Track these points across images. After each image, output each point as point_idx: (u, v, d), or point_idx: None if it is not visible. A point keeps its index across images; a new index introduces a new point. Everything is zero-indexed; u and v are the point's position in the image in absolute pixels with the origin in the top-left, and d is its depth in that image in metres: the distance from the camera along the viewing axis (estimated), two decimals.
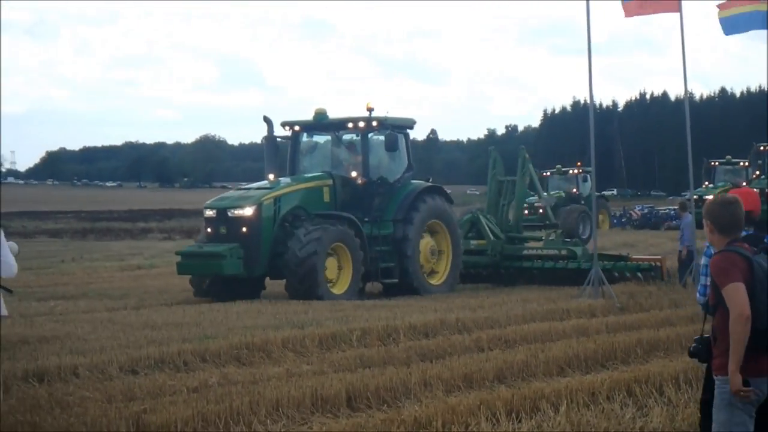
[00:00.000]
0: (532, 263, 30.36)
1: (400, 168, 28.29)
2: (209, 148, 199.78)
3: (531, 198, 34.12)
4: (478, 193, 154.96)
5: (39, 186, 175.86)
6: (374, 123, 27.26)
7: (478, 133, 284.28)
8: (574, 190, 63.21)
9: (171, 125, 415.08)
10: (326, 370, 14.85)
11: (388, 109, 29.26)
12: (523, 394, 12.27)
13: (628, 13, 24.92)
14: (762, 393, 7.49)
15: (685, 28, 25.66)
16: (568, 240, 31.24)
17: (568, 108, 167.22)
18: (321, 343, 17.35)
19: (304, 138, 28.68)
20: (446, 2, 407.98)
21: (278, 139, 28.02)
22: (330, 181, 27.29)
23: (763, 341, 7.31)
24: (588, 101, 28.93)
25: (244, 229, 25.37)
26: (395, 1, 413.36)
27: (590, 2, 24.55)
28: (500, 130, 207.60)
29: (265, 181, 27.08)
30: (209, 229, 26.17)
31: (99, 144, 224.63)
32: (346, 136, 28.43)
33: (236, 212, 25.61)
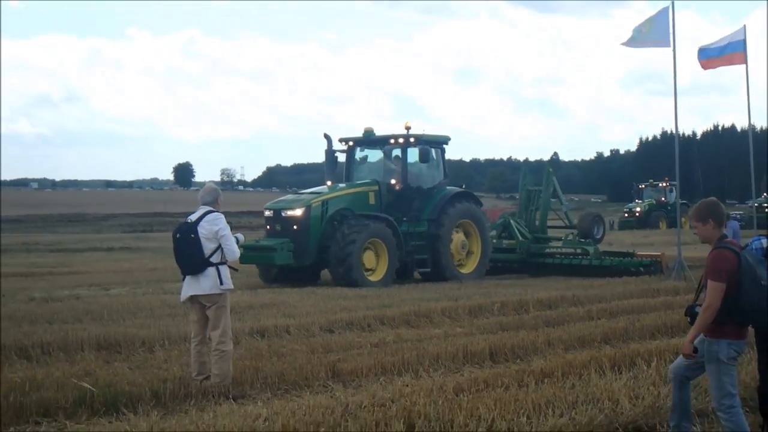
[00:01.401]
0: (552, 259, 28.92)
1: (437, 176, 26.75)
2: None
3: (566, 204, 31.44)
4: (600, 200, 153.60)
5: (264, 192, 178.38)
6: (411, 139, 25.91)
7: (590, 154, 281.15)
8: (663, 198, 62.29)
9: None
10: (474, 332, 14.80)
11: (425, 127, 28.26)
12: (623, 353, 12.10)
13: (705, 67, 25.05)
14: (741, 350, 7.65)
15: (749, 73, 25.42)
16: (583, 240, 29.23)
17: (658, 136, 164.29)
18: (470, 311, 17.30)
19: (358, 151, 27.09)
20: (566, 54, 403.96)
21: (336, 153, 26.33)
22: (376, 187, 25.78)
23: (747, 317, 7.40)
24: (674, 131, 29.05)
25: (295, 227, 24.11)
26: (526, 52, 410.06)
27: (676, 56, 24.28)
28: (606, 153, 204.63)
29: (324, 187, 25.71)
30: (268, 227, 24.93)
31: (306, 161, 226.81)
32: (392, 150, 26.69)
33: (288, 213, 24.35)
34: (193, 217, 10.90)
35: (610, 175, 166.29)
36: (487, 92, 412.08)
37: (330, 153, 26.07)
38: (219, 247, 10.73)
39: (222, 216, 10.85)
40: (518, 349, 13.04)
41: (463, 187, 27.91)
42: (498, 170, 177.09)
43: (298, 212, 24.20)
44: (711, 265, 7.38)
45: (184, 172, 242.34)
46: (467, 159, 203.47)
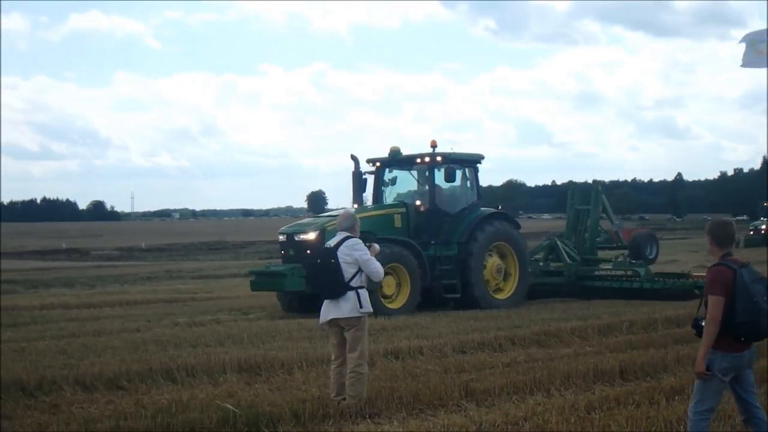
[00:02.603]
0: (602, 282, 26.30)
1: (468, 197, 24.67)
2: (513, 188, 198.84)
3: (617, 223, 29.50)
4: (678, 219, 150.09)
5: None
6: (438, 158, 23.88)
7: (713, 174, 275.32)
8: None
9: (486, 172, 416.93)
10: (603, 351, 14.62)
11: (452, 145, 25.00)
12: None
13: None
14: (736, 365, 7.73)
15: None
16: (635, 261, 27.19)
17: None
18: (599, 330, 17.12)
19: (386, 172, 25.04)
20: (684, 76, 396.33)
21: (364, 174, 24.62)
22: (402, 209, 23.88)
23: (740, 330, 7.53)
24: None
25: (308, 252, 21.81)
26: (645, 75, 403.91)
27: None
28: (729, 172, 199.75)
29: (350, 208, 23.85)
30: (282, 251, 23.37)
31: None
32: (420, 170, 24.68)
33: (301, 236, 22.57)
34: (332, 243, 11.09)
35: (734, 194, 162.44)
36: (609, 117, 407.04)
37: (357, 175, 24.54)
38: (358, 271, 10.87)
39: (361, 242, 11.01)
40: (648, 366, 12.85)
41: (499, 207, 26.14)
42: (622, 192, 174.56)
43: (311, 236, 22.35)
44: (708, 280, 7.66)
45: (317, 199, 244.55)
46: (590, 180, 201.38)
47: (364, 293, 10.90)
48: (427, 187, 24.23)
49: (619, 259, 27.75)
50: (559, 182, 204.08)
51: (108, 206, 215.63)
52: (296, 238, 22.66)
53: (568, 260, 27.03)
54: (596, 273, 26.90)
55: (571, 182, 29.43)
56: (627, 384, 11.95)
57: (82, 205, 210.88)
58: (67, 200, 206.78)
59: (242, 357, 13.90)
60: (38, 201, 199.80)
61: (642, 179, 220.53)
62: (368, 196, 24.94)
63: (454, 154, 24.22)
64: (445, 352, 14.91)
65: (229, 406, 10.32)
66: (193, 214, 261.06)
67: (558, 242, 27.69)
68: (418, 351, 14.85)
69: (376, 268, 10.95)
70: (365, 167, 24.72)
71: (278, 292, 23.14)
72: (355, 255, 10.86)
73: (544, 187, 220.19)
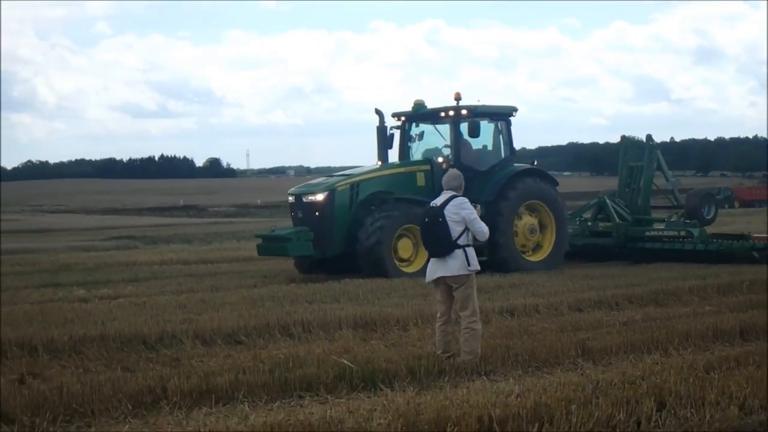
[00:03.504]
0: (653, 244, 24.78)
1: (500, 154, 23.14)
2: (629, 146, 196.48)
3: (672, 180, 26.84)
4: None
5: None
6: (463, 111, 22.32)
7: None
8: None
9: (601, 130, 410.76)
10: (723, 311, 14.39)
11: (479, 97, 24.22)
12: None
13: None
14: None
15: None
16: (689, 221, 24.85)
17: None
18: (719, 289, 16.84)
19: (413, 127, 23.64)
20: None
21: (392, 130, 23.44)
22: (426, 167, 22.50)
23: None
24: None
25: (317, 214, 21.26)
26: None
27: None
28: None
29: (372, 165, 23.13)
30: (291, 214, 22.35)
31: (549, 144, 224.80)
32: (445, 124, 23.09)
33: (309, 198, 21.51)
34: (438, 202, 11.12)
35: None
36: (729, 72, 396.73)
37: (382, 130, 23.29)
38: (465, 229, 10.89)
39: (467, 200, 11.02)
40: None
41: (534, 163, 24.06)
42: (743, 149, 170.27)
43: (319, 197, 21.44)
44: None
45: None
46: (712, 138, 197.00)
47: (471, 251, 10.92)
48: (452, 143, 22.85)
49: (672, 219, 25.65)
50: (678, 139, 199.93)
51: (224, 163, 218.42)
52: (304, 200, 21.67)
53: (617, 220, 25.45)
54: (647, 234, 25.47)
55: (623, 137, 26.85)
56: (747, 344, 11.76)
57: (199, 162, 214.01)
58: (184, 157, 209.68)
59: (358, 313, 14.03)
60: (156, 159, 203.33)
61: (764, 136, 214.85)
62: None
63: (481, 107, 22.71)
64: (561, 310, 14.85)
65: (345, 361, 10.45)
66: (308, 171, 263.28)
67: (607, 200, 26.02)
68: (533, 309, 14.82)
69: (482, 227, 10.96)
70: (391, 122, 23.62)
71: (283, 256, 22.19)
72: (462, 213, 10.89)
73: (662, 144, 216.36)
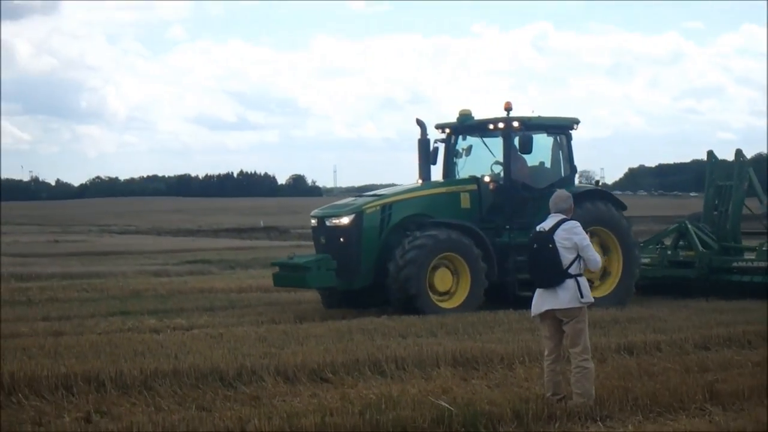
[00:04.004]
0: (740, 277, 23.08)
1: (558, 171, 22.20)
2: (716, 163, 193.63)
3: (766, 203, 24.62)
4: None
5: (625, 195, 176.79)
6: (515, 123, 21.45)
7: None
8: None
9: (729, 145, 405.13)
10: None
11: (534, 108, 23.46)
12: None
13: None
14: None
15: None
16: None
17: None
18: None
19: (460, 141, 22.84)
20: None
21: (437, 143, 22.68)
22: (473, 186, 21.74)
23: None
24: None
25: (341, 240, 20.62)
26: None
27: None
28: None
29: (410, 184, 22.52)
30: (314, 239, 21.78)
31: (671, 161, 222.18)
32: (495, 138, 22.29)
33: (333, 221, 20.85)
34: (546, 226, 11.09)
35: None
36: None
37: (424, 143, 22.58)
38: (577, 257, 10.82)
39: (579, 224, 10.96)
40: None
41: (598, 183, 23.12)
42: None
43: (344, 220, 20.77)
44: None
45: None
46: None
47: (584, 281, 10.87)
48: (503, 159, 21.94)
49: (764, 248, 23.26)
50: None
51: (309, 180, 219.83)
52: (327, 224, 21.05)
53: (700, 248, 23.91)
54: (734, 265, 23.73)
55: (710, 152, 26.06)
56: None
57: (281, 179, 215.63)
58: (265, 174, 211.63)
59: (457, 349, 14.03)
60: (235, 175, 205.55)
61: None
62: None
63: (536, 118, 21.89)
64: (686, 348, 14.68)
65: (443, 403, 10.44)
66: None
67: (689, 226, 24.54)
68: (654, 346, 14.67)
69: (595, 255, 10.91)
70: (434, 135, 22.93)
71: (301, 287, 21.76)
72: (575, 239, 10.84)
73: (756, 159, 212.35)
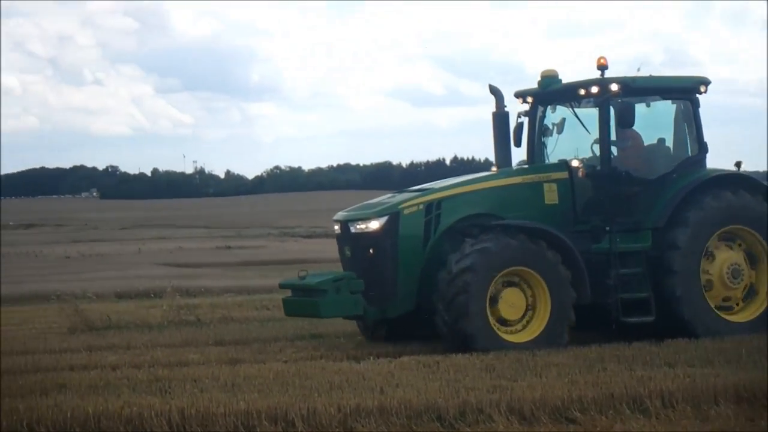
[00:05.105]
0: None
1: (678, 153, 20.78)
2: None
3: None
4: None
5: None
6: (613, 87, 19.77)
7: None
8: None
9: None
10: None
11: (640, 65, 21.44)
12: None
13: None
14: None
15: None
16: None
17: None
18: None
19: (549, 114, 21.30)
20: None
21: (519, 117, 21.43)
22: (562, 174, 20.18)
23: None
24: None
25: (371, 251, 19.34)
26: None
27: None
28: None
29: (480, 174, 21.25)
30: (340, 253, 20.56)
31: None
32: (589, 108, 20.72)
33: (359, 227, 19.54)
34: None
35: None
36: None
37: (500, 118, 21.23)
38: None
39: None
40: None
41: (740, 166, 21.45)
42: None
43: (374, 225, 19.39)
44: None
45: None
46: None
47: None
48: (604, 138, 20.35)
49: None
50: None
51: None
52: (353, 230, 19.83)
53: None
54: None
55: None
56: None
57: None
58: (486, 159, 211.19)
59: (740, 382, 13.81)
60: (447, 161, 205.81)
61: None
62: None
63: (641, 79, 20.59)
64: None
65: None
66: None
67: None
68: None
69: None
70: (515, 106, 21.67)
71: (312, 317, 20.48)
72: None
73: None
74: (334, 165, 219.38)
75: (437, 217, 19.52)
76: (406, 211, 19.37)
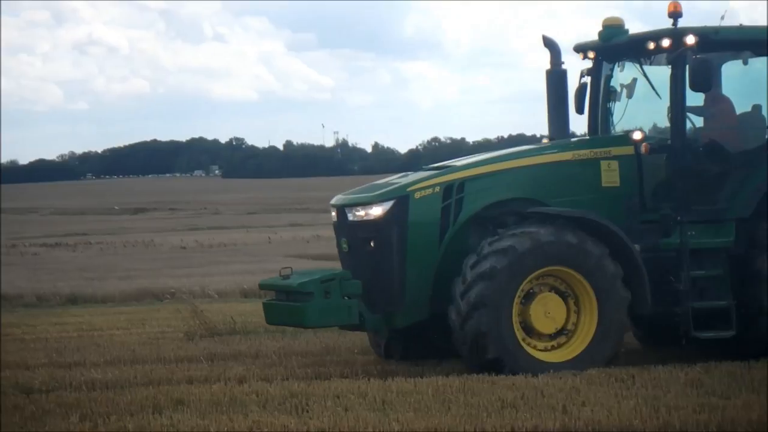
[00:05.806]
0: None
1: None
2: None
3: None
4: None
5: None
6: (688, 39, 18.46)
7: None
8: None
9: None
10: None
11: (724, 12, 20.13)
12: None
13: None
14: None
15: None
16: None
17: None
18: None
19: (616, 72, 20.38)
20: None
21: (583, 77, 20.41)
22: (625, 149, 18.96)
23: None
24: None
25: (372, 245, 18.34)
26: None
27: None
28: None
29: (525, 147, 20.47)
30: (338, 246, 19.57)
31: None
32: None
33: (358, 214, 18.54)
34: None
35: None
36: None
37: (556, 76, 20.38)
38: None
39: None
40: None
41: None
42: None
43: (376, 212, 18.33)
44: None
45: None
46: None
47: None
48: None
49: None
50: None
51: None
52: (350, 218, 18.86)
53: None
54: None
55: None
56: None
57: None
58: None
59: None
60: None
61: None
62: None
63: (724, 29, 19.38)
64: None
65: None
66: None
67: None
68: None
69: None
70: (574, 63, 20.69)
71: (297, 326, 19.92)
72: None
73: None
74: (505, 136, 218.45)
75: (459, 201, 18.47)
76: (417, 195, 18.36)
